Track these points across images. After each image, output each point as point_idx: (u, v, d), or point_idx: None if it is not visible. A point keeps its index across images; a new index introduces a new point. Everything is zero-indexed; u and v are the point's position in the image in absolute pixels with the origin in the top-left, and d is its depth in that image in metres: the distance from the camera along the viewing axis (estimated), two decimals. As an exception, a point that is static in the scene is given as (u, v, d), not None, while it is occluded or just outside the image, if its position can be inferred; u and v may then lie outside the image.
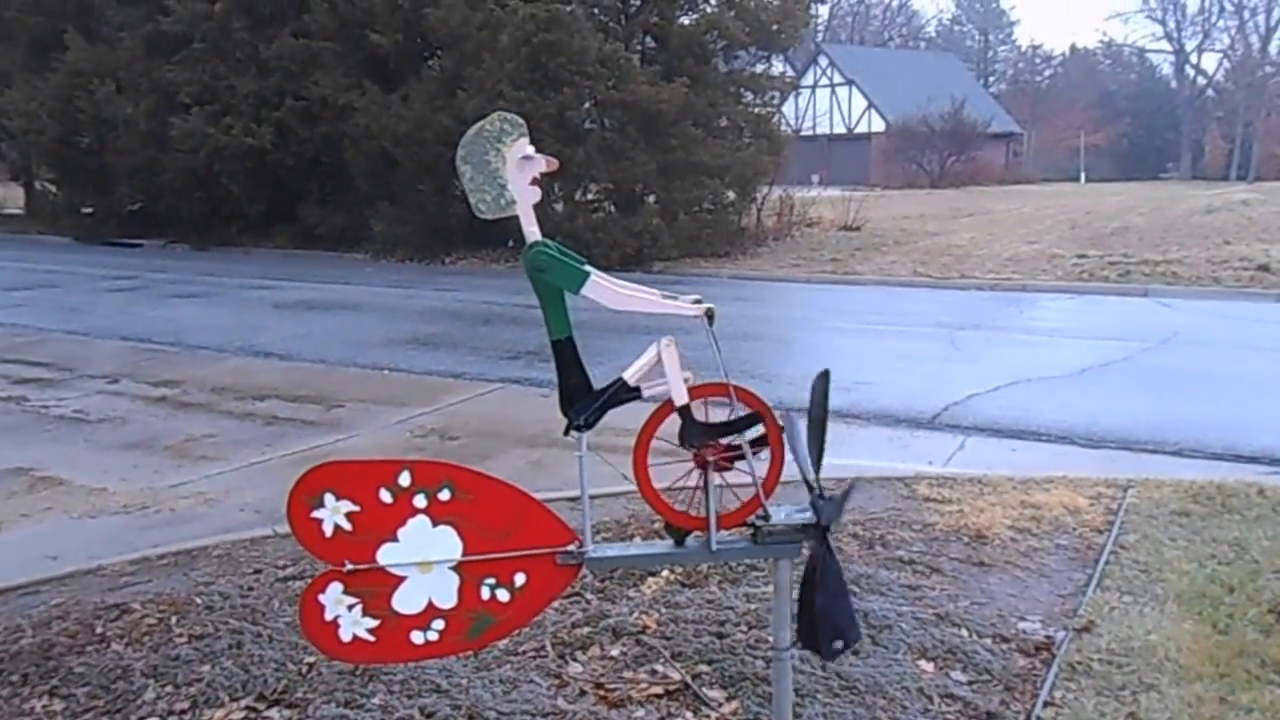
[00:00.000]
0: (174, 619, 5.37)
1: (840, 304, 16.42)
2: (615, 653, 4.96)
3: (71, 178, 30.68)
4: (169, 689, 4.69)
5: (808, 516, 2.75)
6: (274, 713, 4.51)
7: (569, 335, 2.69)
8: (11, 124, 30.40)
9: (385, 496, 2.57)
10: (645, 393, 2.70)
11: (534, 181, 2.64)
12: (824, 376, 2.90)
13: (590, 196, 21.85)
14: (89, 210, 30.42)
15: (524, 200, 2.65)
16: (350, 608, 2.59)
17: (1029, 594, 5.55)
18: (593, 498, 2.72)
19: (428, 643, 2.64)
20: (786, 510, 2.80)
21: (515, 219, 2.73)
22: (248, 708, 4.55)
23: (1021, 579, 5.73)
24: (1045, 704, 4.44)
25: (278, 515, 7.15)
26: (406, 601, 2.62)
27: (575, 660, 4.90)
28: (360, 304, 17.28)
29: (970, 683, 4.64)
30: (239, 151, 25.25)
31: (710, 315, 2.72)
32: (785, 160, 25.09)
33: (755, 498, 2.81)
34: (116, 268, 22.63)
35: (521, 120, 2.65)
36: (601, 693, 4.62)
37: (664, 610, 5.34)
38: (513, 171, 2.63)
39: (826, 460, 2.95)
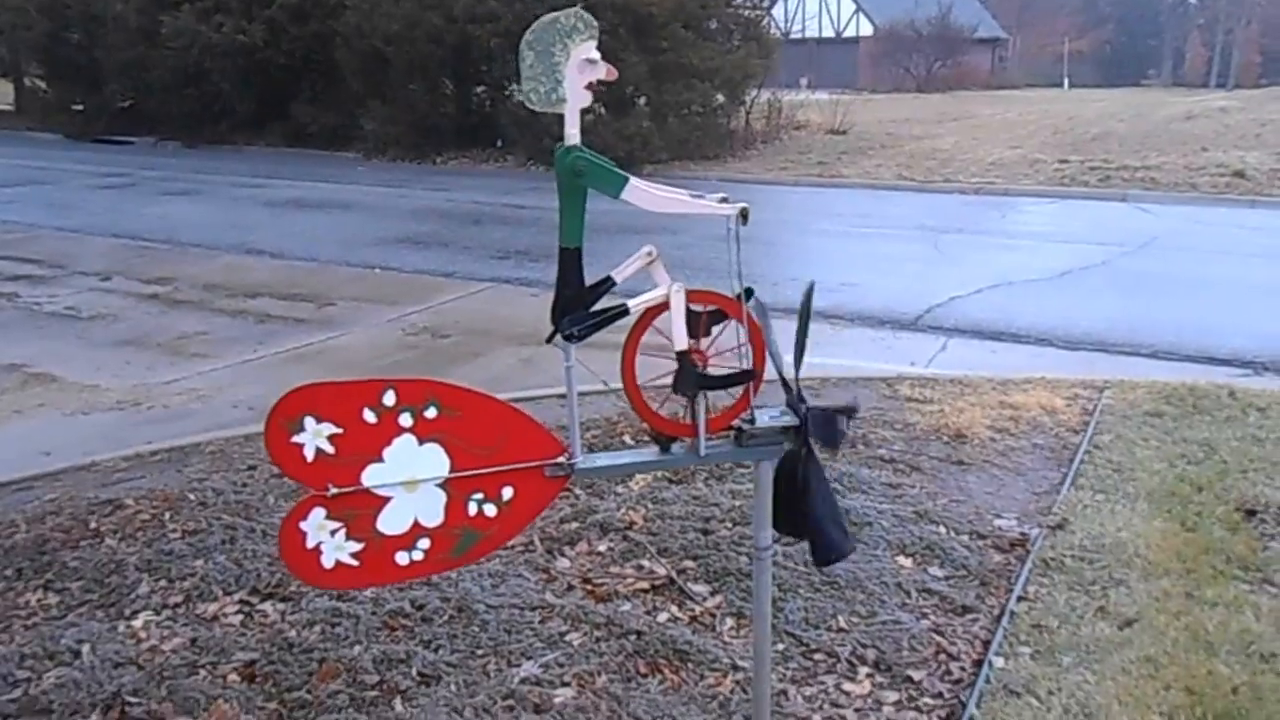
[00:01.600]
0: (167, 514, 5.36)
1: (826, 206, 16.32)
2: (603, 548, 4.98)
3: (61, 74, 30.14)
4: (163, 583, 4.69)
5: (791, 419, 2.73)
6: (267, 606, 4.52)
7: (579, 246, 2.63)
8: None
9: (369, 417, 2.48)
10: (632, 307, 2.66)
11: (589, 86, 2.58)
12: (810, 288, 2.86)
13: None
14: (79, 107, 29.93)
15: (574, 102, 2.58)
16: (333, 533, 2.51)
17: (1005, 492, 5.58)
18: (582, 394, 2.69)
19: (413, 563, 2.57)
20: (771, 413, 2.77)
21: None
22: (241, 601, 4.56)
23: (999, 477, 5.76)
24: (1019, 598, 4.47)
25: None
26: (392, 522, 2.55)
27: (563, 555, 4.92)
28: (351, 203, 17.11)
29: (947, 578, 4.68)
30: (230, 49, 24.79)
31: (745, 215, 2.67)
32: (774, 63, 24.77)
33: (741, 400, 2.78)
34: (107, 165, 22.35)
35: (595, 22, 2.58)
36: (589, 587, 4.64)
37: (651, 506, 5.36)
38: (572, 70, 2.55)
39: (809, 360, 2.92)
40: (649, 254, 2.71)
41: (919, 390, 7.15)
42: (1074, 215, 15.51)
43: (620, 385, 2.68)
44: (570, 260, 2.63)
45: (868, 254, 12.67)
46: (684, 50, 21.22)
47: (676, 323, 2.67)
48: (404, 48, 22.25)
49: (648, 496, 5.46)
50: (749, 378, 2.75)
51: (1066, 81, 57.60)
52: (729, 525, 5.14)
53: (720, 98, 22.95)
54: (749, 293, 2.82)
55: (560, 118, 2.64)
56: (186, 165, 22.53)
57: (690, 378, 2.70)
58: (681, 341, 2.69)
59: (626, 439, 6.20)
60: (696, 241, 12.07)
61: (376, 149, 23.54)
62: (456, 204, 16.87)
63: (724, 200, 2.70)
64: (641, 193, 2.63)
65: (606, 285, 2.68)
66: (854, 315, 9.70)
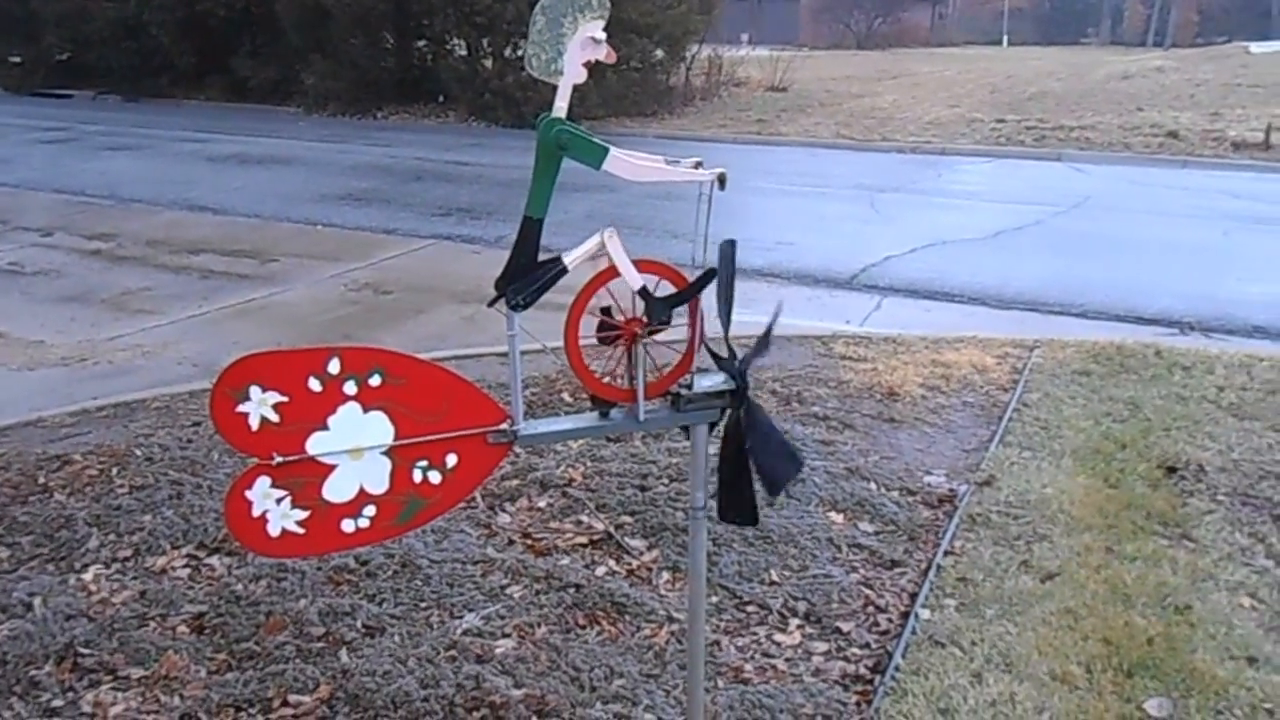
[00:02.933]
0: (115, 470, 5.38)
1: (764, 165, 16.36)
2: (543, 504, 5.06)
3: (-3, 26, 29.46)
4: (112, 537, 4.72)
5: (727, 384, 2.80)
6: (214, 560, 4.57)
7: (542, 217, 2.67)
8: (-68, -32, 29.04)
9: (314, 385, 2.50)
10: (569, 263, 2.71)
11: (586, 64, 2.62)
12: (730, 244, 2.93)
13: (520, 53, 21.43)
14: (16, 60, 29.24)
15: (570, 76, 2.61)
16: (279, 501, 2.52)
17: (935, 449, 5.71)
18: (522, 352, 2.74)
19: (358, 530, 2.59)
20: (709, 378, 2.85)
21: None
22: (189, 555, 4.60)
23: (929, 435, 5.89)
24: (946, 553, 4.61)
25: (216, 368, 7.09)
26: (337, 490, 2.56)
27: (504, 511, 5.00)
28: (293, 158, 16.94)
29: (877, 533, 4.80)
30: (168, 0, 24.38)
31: (722, 180, 2.73)
32: (715, 19, 24.64)
33: (678, 366, 2.86)
34: (46, 119, 21.93)
35: (609, 3, 2.62)
36: (529, 542, 4.73)
37: (589, 464, 5.44)
38: (575, 46, 2.59)
39: (747, 318, 3.00)
40: (610, 235, 2.75)
41: (853, 348, 7.26)
42: (1009, 175, 15.67)
43: (560, 345, 2.74)
44: (531, 230, 2.67)
45: (805, 213, 12.76)
46: (623, 5, 21.04)
47: (621, 262, 2.73)
48: (344, 1, 21.97)
49: (586, 454, 5.54)
50: (709, 278, 2.81)
51: (1006, 39, 57.79)
52: (665, 482, 5.23)
53: (660, 53, 22.83)
54: (730, 245, 2.89)
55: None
56: (127, 119, 22.16)
57: (657, 306, 2.77)
58: (635, 279, 2.75)
59: (565, 396, 6.27)
60: (635, 200, 12.13)
61: (317, 103, 23.25)
62: (398, 160, 16.75)
63: (699, 165, 2.76)
64: (622, 163, 2.68)
65: (556, 269, 2.72)
66: (790, 274, 9.79)
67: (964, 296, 9.12)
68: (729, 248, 2.91)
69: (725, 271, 2.86)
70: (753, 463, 2.81)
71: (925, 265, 10.06)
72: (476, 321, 8.18)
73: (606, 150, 2.65)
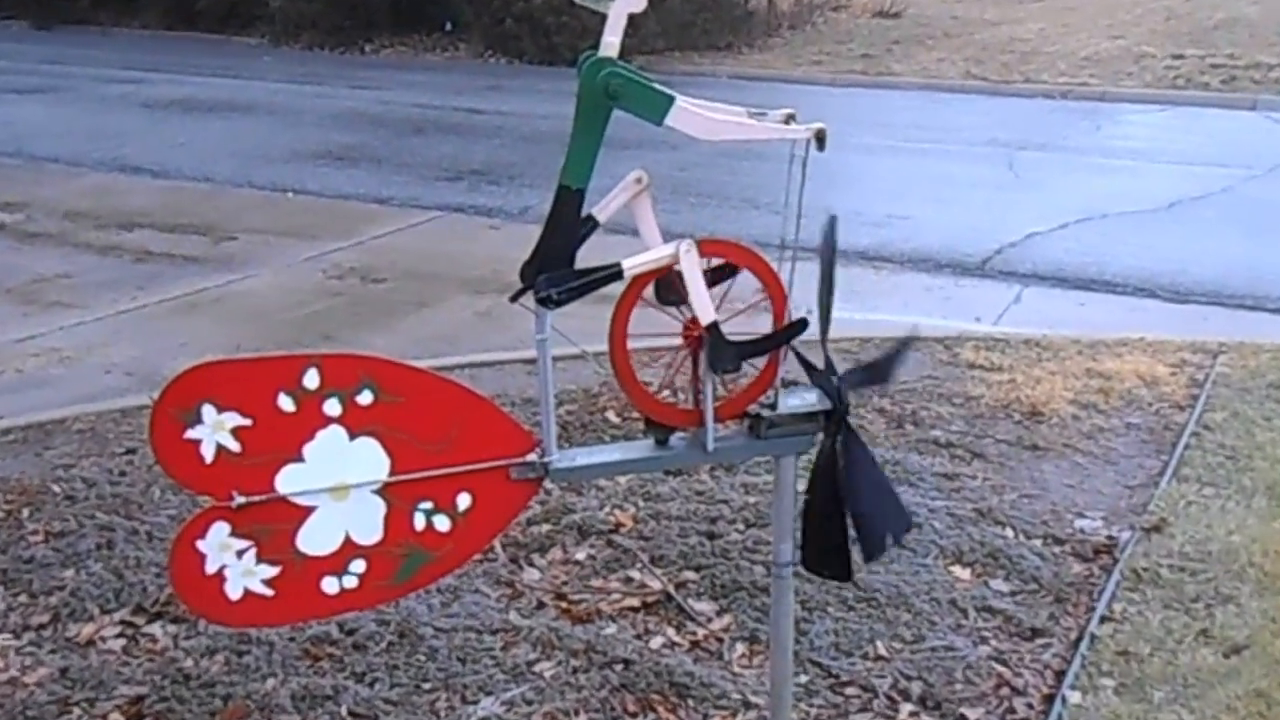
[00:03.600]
0: (26, 511, 5.41)
1: (872, 114, 16.28)
2: (581, 556, 5.07)
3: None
4: (22, 599, 4.75)
5: (821, 403, 2.80)
6: (156, 628, 4.58)
7: (582, 188, 2.66)
8: None
9: (285, 404, 2.50)
10: (627, 269, 2.71)
11: None
12: (832, 224, 2.92)
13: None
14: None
15: (624, 4, 2.64)
16: (240, 554, 2.52)
17: (1090, 485, 5.68)
18: (555, 359, 2.76)
19: (344, 592, 2.59)
20: (798, 395, 2.84)
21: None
22: (123, 622, 4.62)
23: (1082, 466, 5.86)
24: (1103, 619, 4.57)
25: (157, 379, 7.16)
26: (316, 539, 2.58)
27: (532, 565, 5.01)
28: (255, 105, 17.05)
29: (1013, 593, 4.78)
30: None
31: (820, 138, 2.72)
32: (806, -77, 24.65)
33: (758, 381, 2.86)
34: (-65, 53, 22.23)
35: None
36: (564, 605, 4.73)
37: (642, 504, 5.44)
38: None
39: (848, 315, 3.00)
40: (638, 181, 2.76)
41: (985, 354, 7.24)
42: (1189, 127, 15.51)
43: (605, 350, 2.75)
44: (568, 205, 2.67)
45: (924, 176, 12.69)
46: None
47: (694, 291, 2.72)
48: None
49: (638, 491, 5.54)
50: (800, 328, 2.81)
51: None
52: (740, 527, 5.23)
53: (736, -30, 22.86)
54: (832, 224, 2.89)
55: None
56: (38, 53, 22.34)
57: (726, 351, 2.76)
58: (707, 313, 2.75)
59: (610, 415, 6.29)
60: (702, 160, 12.12)
61: (286, 33, 23.34)
62: (392, 107, 16.83)
63: (790, 119, 2.76)
64: (692, 117, 2.68)
65: (588, 228, 2.73)
66: (904, 257, 9.77)
67: (1128, 286, 9.05)
68: (831, 228, 2.91)
69: (826, 257, 2.86)
70: (848, 511, 2.81)
71: (1079, 245, 10.00)
72: (495, 317, 8.21)
73: (671, 101, 2.65)
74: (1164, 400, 6.57)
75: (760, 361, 2.86)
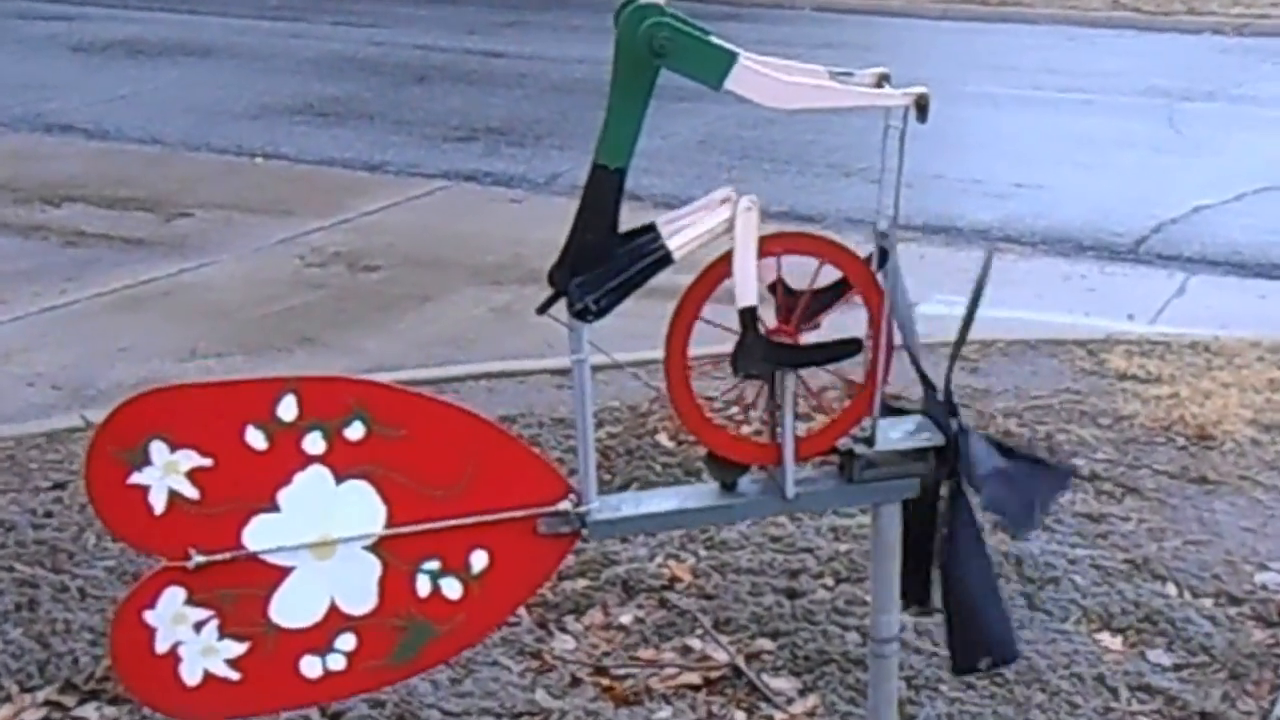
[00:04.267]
0: (-71, 563, 5.47)
1: (993, 56, 16.22)
2: (627, 619, 5.06)
3: None
4: (-75, 672, 4.80)
5: (930, 437, 2.79)
6: (89, 710, 4.59)
7: (623, 168, 2.66)
8: None
9: (256, 440, 2.50)
10: (675, 252, 2.70)
11: None
12: (987, 262, 2.92)
13: None
14: None
15: None
16: (199, 627, 2.54)
17: (1274, 529, 5.64)
18: (595, 369, 2.75)
19: (328, 674, 2.59)
20: (898, 428, 2.83)
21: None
22: (48, 703, 4.63)
23: (1265, 505, 5.82)
24: (1293, 701, 4.55)
25: (90, 392, 7.24)
26: (294, 608, 2.58)
27: (564, 631, 5.00)
28: (215, 46, 17.12)
29: (1177, 667, 4.74)
30: None
31: (922, 105, 2.70)
32: None
33: (849, 409, 2.85)
34: None
35: None
36: (605, 682, 4.73)
37: (703, 552, 5.43)
38: None
39: (962, 310, 2.99)
40: (724, 202, 2.74)
41: (1139, 362, 7.19)
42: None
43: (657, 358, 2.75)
44: (606, 187, 2.66)
45: (1060, 135, 12.65)
46: None
47: (740, 262, 2.72)
48: None
49: (698, 537, 5.53)
50: (851, 349, 2.81)
51: None
52: (828, 583, 5.21)
53: None
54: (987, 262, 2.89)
55: None
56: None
57: (755, 348, 2.76)
58: (748, 293, 2.74)
59: (663, 439, 6.28)
60: (777, 116, 12.03)
61: (256, -44, 23.55)
62: (388, 49, 16.89)
63: (884, 81, 2.75)
64: (758, 79, 2.67)
65: (648, 241, 2.72)
66: (1036, 237, 9.75)
67: (1326, 273, 9.02)
68: (985, 266, 2.91)
69: (974, 290, 2.86)
70: (945, 601, 2.83)
71: (1258, 222, 9.96)
72: (516, 314, 8.20)
73: (733, 58, 2.65)
74: (1371, 420, 6.53)
75: (852, 372, 2.86)
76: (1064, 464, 3.08)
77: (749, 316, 2.74)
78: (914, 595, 3.02)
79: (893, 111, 2.71)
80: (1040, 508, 3.08)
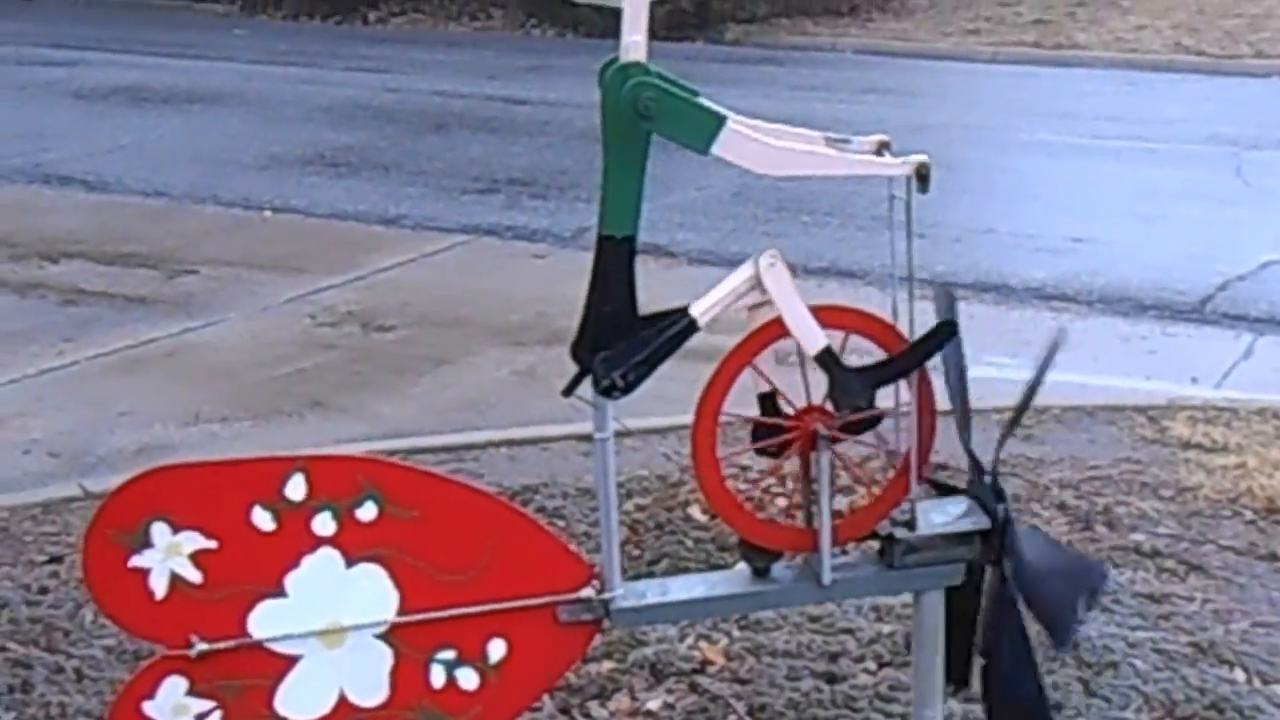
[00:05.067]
0: (-82, 642, 5.48)
1: (1045, 101, 16.24)
2: (655, 705, 5.04)
3: None
4: (-87, 761, 4.81)
5: (975, 520, 2.79)
6: (86, 800, 4.63)
7: (631, 235, 2.67)
8: None
9: (262, 521, 2.52)
10: (700, 319, 2.71)
11: None
12: (1054, 345, 2.93)
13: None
14: None
15: None
16: (202, 719, 2.58)
17: (1354, 611, 5.61)
18: (619, 435, 2.75)
19: None
20: (941, 510, 2.83)
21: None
22: (43, 795, 4.68)
23: (1342, 585, 5.79)
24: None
25: (89, 459, 7.26)
26: (301, 700, 2.59)
27: (589, 717, 4.98)
28: (223, 94, 17.23)
29: (1247, 763, 4.73)
30: None
31: (923, 175, 2.72)
32: None
33: (889, 488, 2.85)
34: None
35: None
36: (634, 774, 4.74)
37: (737, 633, 5.41)
38: None
39: (1017, 375, 2.99)
40: (772, 264, 2.75)
41: (1204, 429, 7.18)
42: None
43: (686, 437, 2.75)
44: (615, 257, 2.67)
45: (1120, 186, 12.66)
46: None
47: (789, 312, 2.73)
48: None
49: (732, 618, 5.52)
50: (945, 336, 2.80)
51: None
52: (871, 667, 5.18)
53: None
54: (949, 321, 2.88)
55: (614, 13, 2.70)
56: (-65, 26, 22.71)
57: (851, 381, 2.77)
58: (814, 338, 2.75)
59: (694, 512, 6.27)
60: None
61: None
62: (404, 96, 16.98)
63: (884, 149, 2.76)
64: (747, 144, 2.69)
65: (679, 324, 2.73)
66: (1094, 295, 9.74)
67: (1402, 334, 8.99)
68: (945, 299, 2.91)
69: (1036, 373, 2.86)
70: (997, 665, 2.82)
71: (1333, 279, 9.92)
72: (540, 377, 8.20)
73: (721, 122, 2.66)
74: None
75: (888, 460, 2.86)
76: (1096, 563, 3.07)
77: (829, 357, 2.76)
78: (955, 674, 3.02)
79: (894, 181, 2.72)
80: (1076, 623, 3.09)
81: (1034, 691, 2.97)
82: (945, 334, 2.78)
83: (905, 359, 2.79)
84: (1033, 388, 2.92)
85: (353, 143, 14.54)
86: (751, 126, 2.68)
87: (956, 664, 3.01)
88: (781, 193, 11.51)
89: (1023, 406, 2.89)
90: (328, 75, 18.39)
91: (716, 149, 2.66)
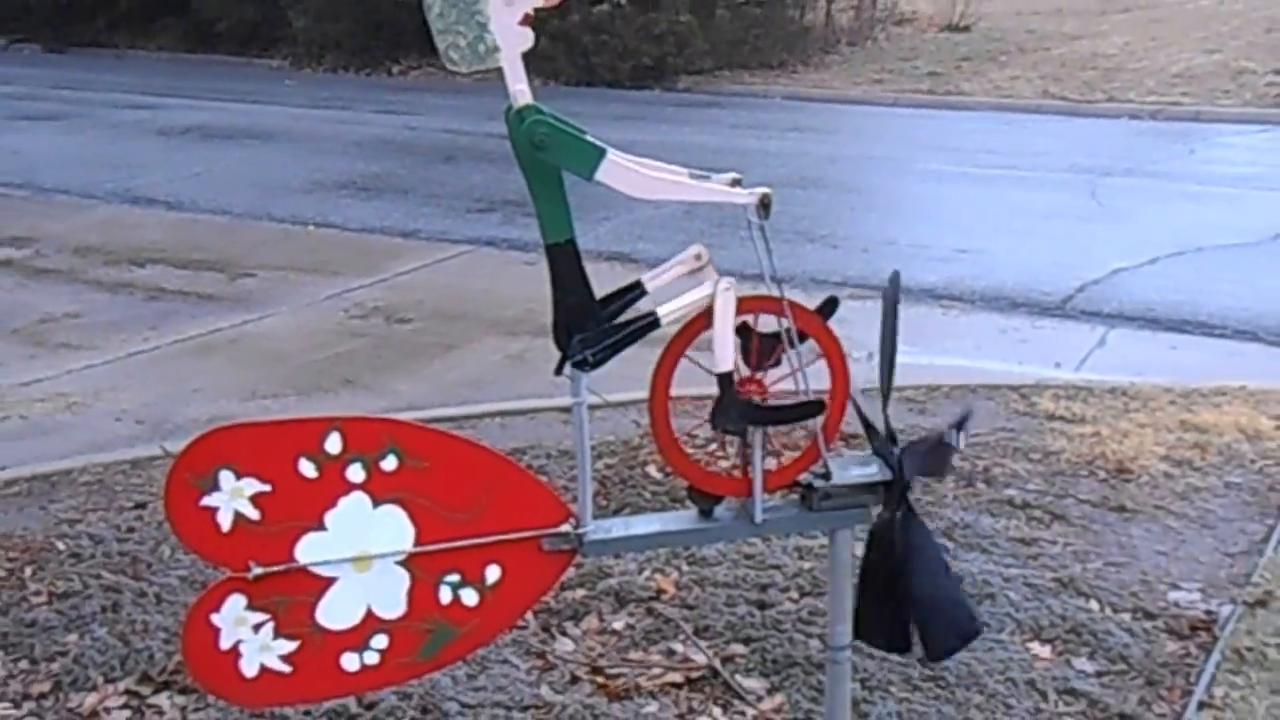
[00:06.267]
0: (29, 570, 5.44)
1: (939, 137, 16.25)
2: (619, 626, 5.06)
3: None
4: (23, 664, 4.78)
5: (879, 471, 2.80)
6: (162, 699, 4.58)
7: (570, 238, 2.69)
8: None
9: (307, 469, 2.55)
10: (664, 317, 2.73)
11: (525, 20, 2.62)
12: (894, 282, 2.93)
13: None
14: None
15: (511, 46, 2.64)
16: (257, 628, 2.57)
17: (1185, 552, 5.61)
18: (593, 408, 2.78)
19: (365, 668, 2.63)
20: (855, 465, 2.85)
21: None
22: (128, 692, 4.62)
23: (1176, 531, 5.79)
24: (1200, 704, 4.50)
25: (168, 426, 7.26)
26: (336, 612, 2.62)
27: (565, 635, 5.00)
28: (276, 131, 17.21)
29: (1099, 674, 4.72)
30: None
31: (766, 204, 2.74)
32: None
33: (810, 448, 2.86)
34: (-60, 76, 22.49)
35: None
36: (600, 679, 4.71)
37: (685, 568, 5.43)
38: (498, 6, 2.61)
39: (914, 360, 3.00)
40: (697, 257, 2.78)
41: (1066, 404, 7.19)
42: (1293, 151, 15.45)
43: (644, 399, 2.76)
44: (562, 258, 2.70)
45: (997, 206, 12.67)
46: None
47: (719, 334, 2.75)
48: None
49: (681, 554, 5.52)
50: (814, 410, 2.82)
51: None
52: (794, 596, 5.21)
53: (789, -17, 22.91)
54: (895, 281, 2.90)
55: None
56: (48, 77, 22.61)
57: (732, 408, 2.77)
58: (725, 360, 2.77)
59: (652, 470, 6.28)
60: (746, 186, 12.11)
61: (310, 55, 23.53)
62: (421, 133, 16.95)
63: (736, 183, 2.78)
64: (624, 173, 2.70)
65: (633, 295, 2.74)
66: (976, 295, 9.74)
67: (1228, 329, 9.00)
68: (894, 285, 2.92)
69: (890, 318, 2.87)
70: (910, 601, 2.82)
71: (1171, 283, 9.95)
72: (529, 361, 8.23)
73: (602, 154, 2.67)
74: (1268, 457, 6.50)
75: (815, 424, 2.86)
76: (976, 614, 3.08)
77: (727, 380, 2.77)
78: (894, 642, 3.00)
79: (746, 209, 2.76)
80: (958, 643, 3.10)
81: (953, 591, 2.97)
82: (814, 410, 2.79)
83: (779, 414, 2.81)
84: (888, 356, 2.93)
85: (379, 171, 14.54)
86: (629, 159, 2.70)
87: (896, 632, 2.99)
88: (722, 212, 11.48)
89: (888, 372, 2.88)
90: (359, 117, 18.35)
91: (599, 176, 2.68)
